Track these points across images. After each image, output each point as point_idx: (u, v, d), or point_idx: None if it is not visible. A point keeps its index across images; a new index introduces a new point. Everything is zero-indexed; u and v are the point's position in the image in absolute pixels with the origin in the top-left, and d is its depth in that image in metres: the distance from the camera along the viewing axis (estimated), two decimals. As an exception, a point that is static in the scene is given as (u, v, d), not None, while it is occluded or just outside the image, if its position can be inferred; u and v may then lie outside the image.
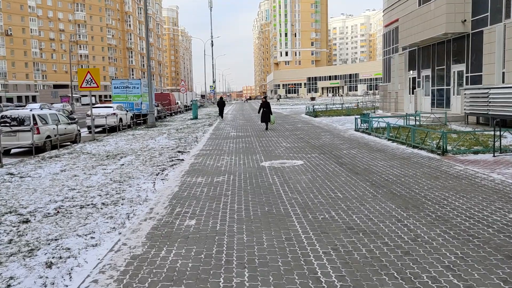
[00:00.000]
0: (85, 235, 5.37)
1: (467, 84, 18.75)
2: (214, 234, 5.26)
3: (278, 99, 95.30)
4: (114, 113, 23.35)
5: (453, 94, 20.35)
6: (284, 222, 5.67)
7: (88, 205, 6.91)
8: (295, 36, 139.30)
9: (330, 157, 11.08)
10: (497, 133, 10.27)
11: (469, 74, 18.56)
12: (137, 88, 29.37)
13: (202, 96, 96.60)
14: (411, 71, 25.61)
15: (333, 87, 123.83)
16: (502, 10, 15.93)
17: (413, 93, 25.30)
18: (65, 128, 16.28)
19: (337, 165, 9.77)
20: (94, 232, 5.47)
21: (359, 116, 19.46)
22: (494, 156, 9.88)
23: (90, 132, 21.07)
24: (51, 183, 8.82)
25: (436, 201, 6.45)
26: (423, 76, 23.87)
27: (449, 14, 18.19)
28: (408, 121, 18.40)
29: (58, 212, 6.50)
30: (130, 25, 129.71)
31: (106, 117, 20.61)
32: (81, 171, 10.12)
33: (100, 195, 7.57)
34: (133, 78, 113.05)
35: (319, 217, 5.84)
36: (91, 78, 16.58)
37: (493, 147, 9.93)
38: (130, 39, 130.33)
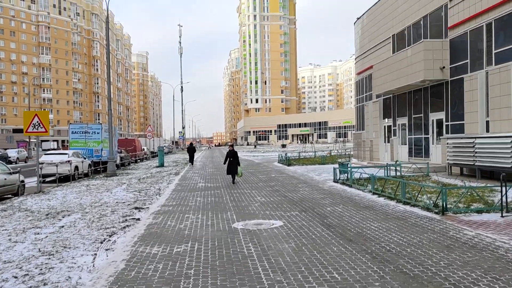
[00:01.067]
0: None
1: (447, 133, 17.94)
2: None
3: (255, 146, 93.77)
4: (68, 161, 21.17)
5: (432, 143, 19.51)
6: (268, 328, 3.93)
7: (-9, 296, 4.95)
8: (265, 84, 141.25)
9: (314, 216, 9.48)
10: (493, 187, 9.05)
11: (450, 123, 17.79)
12: (98, 133, 27.37)
13: (174, 143, 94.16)
14: (386, 119, 24.94)
15: (303, 135, 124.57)
16: (483, 57, 15.40)
17: (388, 142, 24.49)
18: (5, 179, 14.08)
19: (324, 228, 8.17)
20: None
21: (336, 166, 18.21)
22: (502, 216, 8.56)
23: (42, 182, 18.88)
24: (-43, 256, 6.75)
25: None
26: (399, 124, 23.15)
27: (427, 61, 17.62)
28: (389, 171, 17.22)
29: None
30: (97, 70, 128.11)
31: (57, 165, 18.43)
32: (6, 237, 8.05)
33: (16, 277, 5.61)
34: (98, 122, 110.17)
35: (316, 317, 4.14)
36: (39, 121, 14.64)
37: (501, 206, 8.63)
38: (97, 83, 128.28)
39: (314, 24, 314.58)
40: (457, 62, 17.04)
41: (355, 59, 31.00)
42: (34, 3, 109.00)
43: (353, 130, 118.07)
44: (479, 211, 9.10)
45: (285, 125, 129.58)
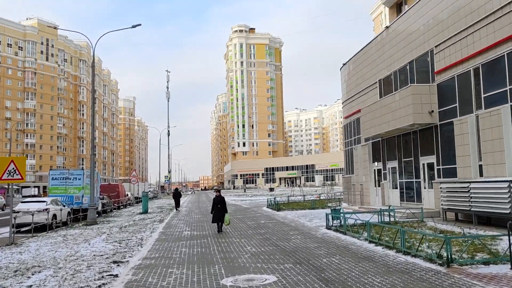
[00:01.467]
0: None
1: (439, 177, 17.58)
2: None
3: (244, 189, 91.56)
4: (45, 209, 20.10)
5: (425, 188, 19.08)
6: None
7: None
8: (252, 128, 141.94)
9: (309, 269, 8.74)
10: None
11: (441, 167, 17.46)
12: (79, 179, 26.40)
13: (160, 187, 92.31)
14: (375, 163, 24.61)
15: (290, 178, 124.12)
16: (472, 101, 15.33)
17: (379, 186, 24.03)
18: (-26, 230, 13.06)
19: (323, 284, 7.43)
20: None
21: (327, 211, 17.57)
22: (511, 269, 7.95)
23: (17, 232, 17.77)
24: None
25: None
26: (389, 168, 22.81)
27: (416, 105, 17.52)
28: (382, 217, 16.61)
29: None
30: (83, 114, 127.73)
31: (33, 214, 17.39)
32: (-37, 301, 7.12)
33: None
34: (81, 168, 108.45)
35: None
36: (15, 168, 13.84)
37: (510, 257, 8.05)
38: (82, 128, 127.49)
39: (299, 70, 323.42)
40: (445, 106, 16.96)
41: (342, 103, 31.13)
42: (21, 50, 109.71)
43: (340, 173, 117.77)
44: (486, 263, 8.48)
45: (273, 168, 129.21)
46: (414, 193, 19.95)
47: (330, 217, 16.05)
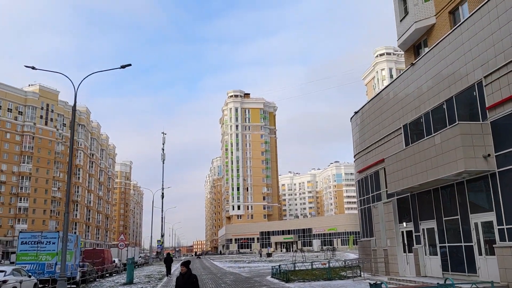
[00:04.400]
0: None
1: (503, 239, 13.82)
2: None
3: (260, 254, 71.02)
4: (4, 281, 16.01)
5: (479, 254, 15.17)
6: None
7: None
8: (247, 191, 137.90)
9: None
10: None
11: (505, 226, 13.74)
12: (53, 243, 22.28)
13: (158, 254, 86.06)
14: (404, 223, 20.82)
15: (286, 242, 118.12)
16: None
17: (410, 252, 20.06)
18: None
19: None
20: None
21: (350, 282, 13.58)
22: None
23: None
24: None
25: None
26: (423, 229, 18.98)
27: (467, 148, 14.19)
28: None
29: None
30: (79, 178, 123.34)
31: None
32: None
33: None
34: (74, 232, 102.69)
35: None
36: None
37: None
38: (77, 191, 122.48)
39: (291, 135, 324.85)
40: (506, 148, 13.63)
41: (354, 156, 27.89)
42: (21, 114, 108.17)
43: (339, 237, 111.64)
44: None
45: (268, 232, 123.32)
46: (464, 261, 15.96)
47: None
